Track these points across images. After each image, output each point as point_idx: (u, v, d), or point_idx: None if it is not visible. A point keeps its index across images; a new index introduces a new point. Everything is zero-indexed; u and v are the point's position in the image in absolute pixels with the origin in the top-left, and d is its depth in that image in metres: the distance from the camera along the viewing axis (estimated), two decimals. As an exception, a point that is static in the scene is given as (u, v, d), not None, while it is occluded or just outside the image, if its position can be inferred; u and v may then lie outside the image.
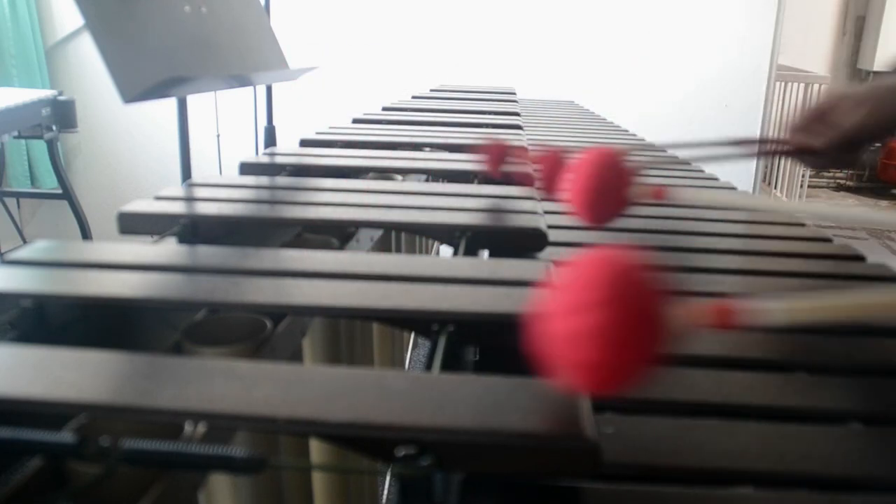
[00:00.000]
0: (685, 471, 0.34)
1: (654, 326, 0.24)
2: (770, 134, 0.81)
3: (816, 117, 0.67)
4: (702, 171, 1.15)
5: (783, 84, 3.71)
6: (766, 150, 0.74)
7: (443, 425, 0.28)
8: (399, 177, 0.89)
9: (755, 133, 2.86)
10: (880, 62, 4.40)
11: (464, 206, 0.68)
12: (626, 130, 1.64)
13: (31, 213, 3.09)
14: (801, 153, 0.70)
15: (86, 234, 2.49)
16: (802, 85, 3.76)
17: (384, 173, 0.88)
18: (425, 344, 0.41)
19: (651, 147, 1.38)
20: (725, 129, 2.89)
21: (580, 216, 0.58)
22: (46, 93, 2.28)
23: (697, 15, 2.85)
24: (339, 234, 0.65)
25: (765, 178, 3.84)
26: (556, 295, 0.25)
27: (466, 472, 0.30)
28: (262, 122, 1.89)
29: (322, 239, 0.63)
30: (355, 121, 1.29)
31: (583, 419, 0.28)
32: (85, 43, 2.90)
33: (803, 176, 3.91)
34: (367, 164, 0.88)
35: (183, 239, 0.60)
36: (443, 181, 0.90)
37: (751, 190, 2.87)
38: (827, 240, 0.76)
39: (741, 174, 2.87)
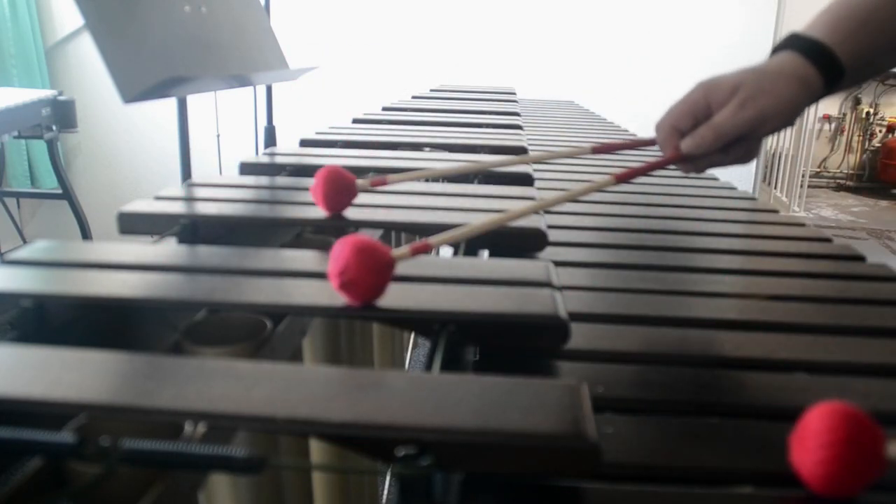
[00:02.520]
0: (685, 471, 0.34)
1: None
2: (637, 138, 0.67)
3: (687, 113, 0.56)
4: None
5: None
6: (636, 170, 0.58)
7: (443, 425, 0.28)
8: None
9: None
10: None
11: (464, 206, 0.68)
12: (626, 130, 1.64)
13: (31, 213, 3.10)
14: (674, 160, 0.58)
15: (86, 234, 2.49)
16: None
17: (384, 173, 0.88)
18: (425, 344, 0.41)
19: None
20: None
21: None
22: (46, 93, 2.28)
23: (697, 15, 2.85)
24: (339, 234, 0.65)
25: (765, 178, 3.84)
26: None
27: (466, 472, 0.30)
28: (262, 122, 1.89)
29: (322, 239, 0.63)
30: (355, 121, 1.29)
31: (583, 419, 0.28)
32: (85, 43, 2.90)
33: (803, 176, 3.91)
34: (367, 164, 0.88)
35: (183, 239, 0.60)
36: (443, 181, 0.90)
37: (751, 190, 2.86)
38: (827, 240, 0.76)
39: (741, 174, 2.87)
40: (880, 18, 0.55)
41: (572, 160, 1.16)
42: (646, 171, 0.59)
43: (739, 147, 0.56)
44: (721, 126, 0.54)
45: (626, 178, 0.58)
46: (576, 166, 1.12)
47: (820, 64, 0.54)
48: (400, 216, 0.65)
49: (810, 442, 0.29)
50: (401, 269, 0.42)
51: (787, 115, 0.55)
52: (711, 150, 0.55)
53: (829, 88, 0.56)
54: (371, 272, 0.39)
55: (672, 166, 0.60)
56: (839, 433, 0.28)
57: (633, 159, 1.22)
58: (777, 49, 0.58)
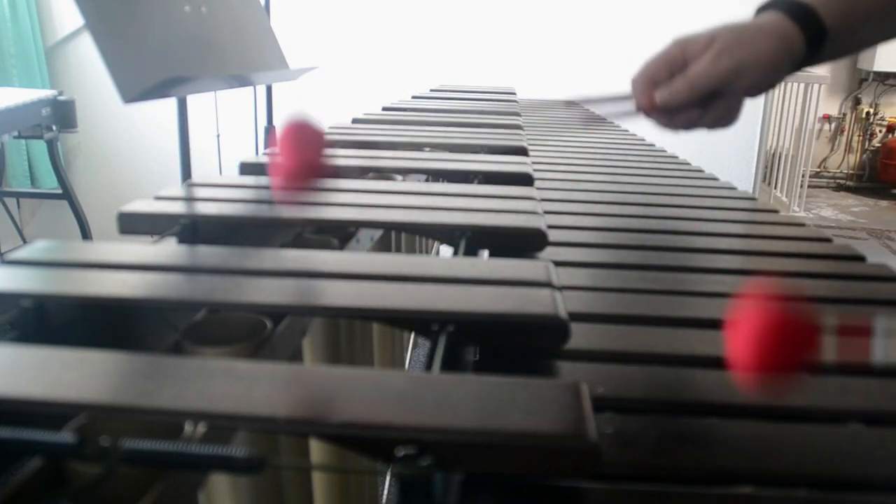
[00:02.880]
0: (685, 471, 0.34)
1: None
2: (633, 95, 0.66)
3: (663, 66, 0.56)
4: (701, 171, 1.15)
5: (783, 84, 3.71)
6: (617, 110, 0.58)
7: (443, 425, 0.28)
8: (399, 177, 0.89)
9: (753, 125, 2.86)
10: (880, 62, 4.41)
11: (464, 206, 0.68)
12: (626, 130, 1.64)
13: (31, 213, 3.09)
14: (648, 111, 0.57)
15: (86, 234, 2.49)
16: (802, 85, 3.76)
17: (384, 173, 0.88)
18: (425, 344, 0.41)
19: (650, 147, 1.38)
20: (725, 129, 2.90)
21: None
22: (46, 93, 2.28)
23: (697, 15, 2.85)
24: (339, 234, 0.65)
25: (765, 178, 3.84)
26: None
27: (466, 472, 0.30)
28: (262, 122, 1.89)
29: (322, 239, 0.63)
30: (355, 121, 1.29)
31: (583, 419, 0.28)
32: (85, 43, 2.90)
33: (803, 176, 3.91)
34: (367, 164, 0.88)
35: (183, 239, 0.60)
36: (443, 181, 0.90)
37: (751, 190, 2.87)
38: (827, 240, 0.76)
39: (742, 175, 2.87)
40: None
41: (569, 153, 1.16)
42: (626, 116, 0.60)
43: (719, 104, 0.55)
44: (696, 76, 0.53)
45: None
46: (573, 162, 1.12)
47: (802, 22, 0.53)
48: (400, 216, 0.65)
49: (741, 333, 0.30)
50: (401, 269, 0.42)
51: (764, 71, 0.53)
52: (687, 103, 0.54)
53: (811, 51, 0.54)
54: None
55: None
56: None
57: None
58: (760, 9, 0.57)
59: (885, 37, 0.58)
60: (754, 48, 0.52)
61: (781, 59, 0.53)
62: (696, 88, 0.53)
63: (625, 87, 0.60)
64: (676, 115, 0.56)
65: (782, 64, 0.54)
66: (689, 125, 0.57)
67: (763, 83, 0.54)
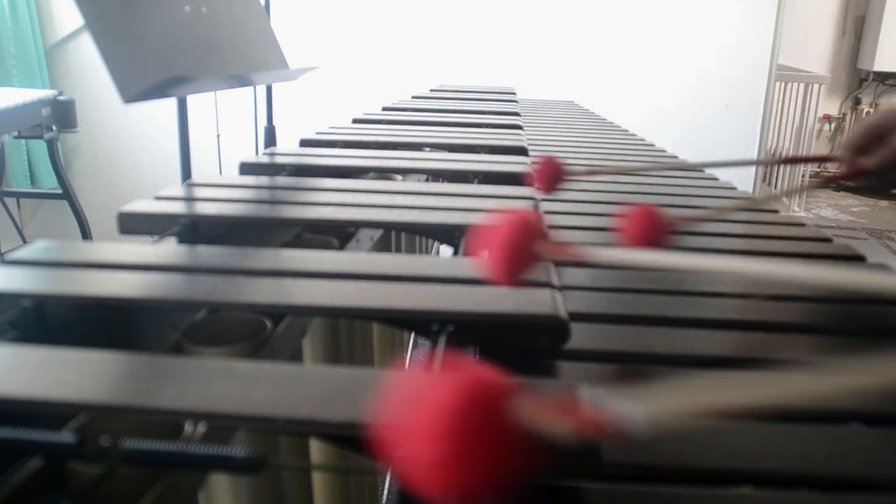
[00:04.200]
0: (685, 471, 0.34)
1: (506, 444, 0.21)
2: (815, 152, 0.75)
3: (872, 134, 0.64)
4: (701, 170, 1.15)
5: (783, 84, 3.71)
6: (823, 180, 0.70)
7: (443, 425, 0.28)
8: (399, 177, 0.89)
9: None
10: (880, 62, 4.40)
11: (464, 206, 0.68)
12: (626, 131, 1.64)
13: (31, 213, 3.09)
14: (855, 175, 0.66)
15: (86, 234, 2.49)
16: (802, 85, 3.76)
17: (384, 173, 0.88)
18: (425, 344, 0.41)
19: (650, 147, 1.38)
20: (725, 130, 2.90)
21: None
22: (46, 93, 2.28)
23: (697, 15, 2.85)
24: (339, 234, 0.65)
25: (765, 178, 3.84)
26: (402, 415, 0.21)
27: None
28: (262, 122, 1.88)
29: (322, 239, 0.63)
30: (355, 121, 1.29)
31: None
32: (85, 43, 2.90)
33: (803, 176, 3.91)
34: (367, 164, 0.88)
35: (183, 239, 0.60)
36: (443, 181, 0.90)
37: (750, 190, 2.87)
38: (827, 240, 0.76)
39: (742, 175, 2.87)
40: None
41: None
42: (841, 178, 0.68)
43: None
44: None
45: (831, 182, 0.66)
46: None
47: None
48: (400, 216, 0.65)
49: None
50: (401, 269, 0.42)
51: None
52: (890, 168, 0.62)
53: None
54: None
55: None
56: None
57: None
58: None
59: None
60: None
61: None
62: None
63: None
64: (877, 176, 0.64)
65: None
66: (879, 183, 0.67)
67: None
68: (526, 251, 0.37)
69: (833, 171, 0.67)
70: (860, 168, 0.64)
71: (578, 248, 0.37)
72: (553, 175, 0.71)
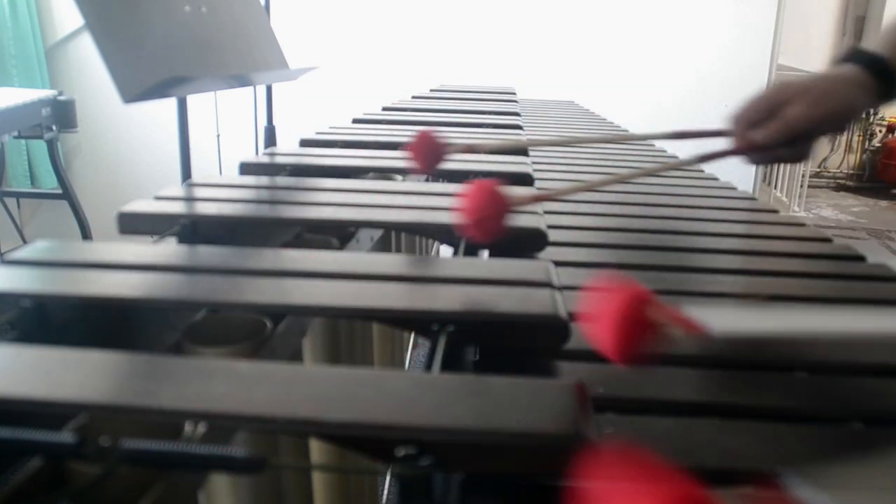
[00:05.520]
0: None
1: None
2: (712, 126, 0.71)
3: (763, 108, 0.62)
4: (701, 170, 1.15)
5: (783, 84, 3.70)
6: (710, 155, 0.66)
7: (443, 425, 0.28)
8: (399, 177, 0.89)
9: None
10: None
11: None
12: (626, 130, 1.64)
13: (31, 213, 3.09)
14: (744, 149, 0.64)
15: (86, 234, 2.49)
16: (802, 85, 3.75)
17: (384, 173, 0.88)
18: (425, 344, 0.41)
19: (651, 147, 1.38)
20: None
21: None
22: (46, 93, 2.28)
23: (697, 14, 2.85)
24: (339, 234, 0.65)
25: (765, 178, 3.84)
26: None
27: (466, 472, 0.30)
28: (262, 122, 1.89)
29: (322, 239, 0.63)
30: (355, 121, 1.29)
31: (583, 419, 0.28)
32: (85, 43, 2.90)
33: (803, 176, 3.91)
34: (367, 164, 0.88)
35: (183, 239, 0.60)
36: (443, 181, 0.90)
37: (750, 190, 2.86)
38: (827, 240, 0.76)
39: (741, 175, 2.86)
40: None
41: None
42: (721, 156, 0.65)
43: (803, 143, 0.63)
44: (794, 119, 0.60)
45: (708, 159, 0.66)
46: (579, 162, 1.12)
47: (879, 75, 0.62)
48: (400, 216, 0.65)
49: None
50: (401, 269, 0.42)
51: (847, 117, 0.62)
52: (780, 141, 0.61)
53: (881, 96, 0.63)
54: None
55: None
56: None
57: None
58: (841, 60, 0.66)
59: None
60: (844, 97, 0.61)
61: (862, 106, 0.63)
62: (791, 131, 0.60)
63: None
64: (767, 152, 0.63)
65: (860, 110, 0.63)
66: (773, 160, 0.65)
67: (844, 126, 0.64)
68: (642, 325, 0.37)
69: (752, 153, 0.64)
70: (750, 141, 0.62)
71: (694, 319, 0.37)
72: (432, 152, 0.68)
